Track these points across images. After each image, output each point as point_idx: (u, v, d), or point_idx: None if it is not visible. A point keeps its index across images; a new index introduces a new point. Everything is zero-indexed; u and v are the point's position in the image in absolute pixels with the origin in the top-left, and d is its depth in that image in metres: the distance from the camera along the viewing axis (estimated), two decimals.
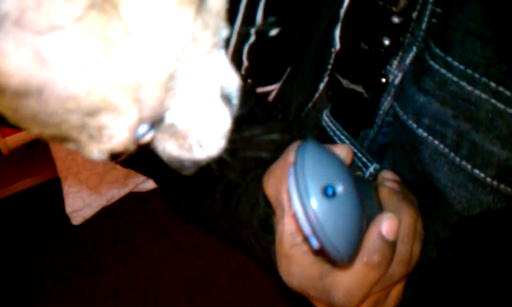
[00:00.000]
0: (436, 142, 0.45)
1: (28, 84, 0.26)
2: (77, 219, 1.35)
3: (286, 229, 0.48)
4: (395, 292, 0.48)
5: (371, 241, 0.42)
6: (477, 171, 0.43)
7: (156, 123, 0.34)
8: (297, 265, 0.47)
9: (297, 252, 0.47)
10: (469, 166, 0.44)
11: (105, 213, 1.33)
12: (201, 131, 0.37)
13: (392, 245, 0.43)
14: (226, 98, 0.38)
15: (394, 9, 0.47)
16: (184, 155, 0.37)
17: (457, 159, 0.44)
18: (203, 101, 0.36)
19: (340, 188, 0.40)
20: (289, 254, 0.47)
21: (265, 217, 0.54)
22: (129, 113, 0.30)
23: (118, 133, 0.30)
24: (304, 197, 0.39)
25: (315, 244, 0.41)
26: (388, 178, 0.51)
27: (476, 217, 0.45)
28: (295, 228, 0.47)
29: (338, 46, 0.56)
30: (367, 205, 0.45)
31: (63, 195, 1.40)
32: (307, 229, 0.40)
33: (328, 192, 0.39)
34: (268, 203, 0.52)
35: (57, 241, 1.76)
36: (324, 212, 0.39)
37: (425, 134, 0.46)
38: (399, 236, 0.44)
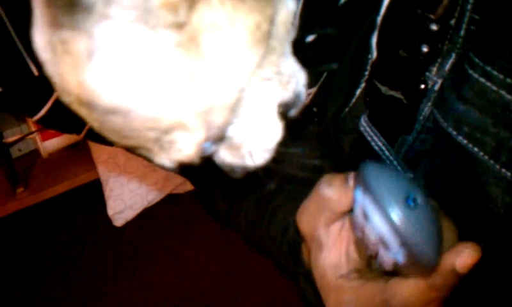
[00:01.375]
0: (476, 149, 0.45)
1: (118, 105, 0.30)
2: (119, 221, 1.38)
3: (327, 262, 0.48)
4: None
5: (442, 268, 0.42)
6: None
7: (219, 139, 0.38)
8: (348, 292, 0.47)
9: (345, 282, 0.47)
10: (509, 174, 0.43)
11: (146, 214, 1.35)
12: (253, 143, 0.39)
13: (459, 277, 0.42)
14: (284, 111, 0.40)
15: (432, 16, 0.47)
16: (235, 162, 0.40)
17: (497, 167, 0.44)
18: (260, 118, 0.39)
19: (420, 198, 0.40)
20: (337, 286, 0.48)
21: (294, 244, 0.55)
22: (198, 132, 0.34)
23: (186, 148, 0.35)
24: (390, 211, 0.40)
25: (400, 257, 0.41)
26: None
27: None
28: (336, 260, 0.48)
29: (374, 53, 0.55)
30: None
31: (104, 197, 1.42)
32: (394, 244, 0.40)
33: (409, 203, 0.40)
34: (298, 233, 0.52)
35: (100, 242, 1.79)
36: (412, 221, 0.40)
37: (465, 142, 0.46)
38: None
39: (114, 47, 0.28)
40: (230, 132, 0.38)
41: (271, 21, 0.34)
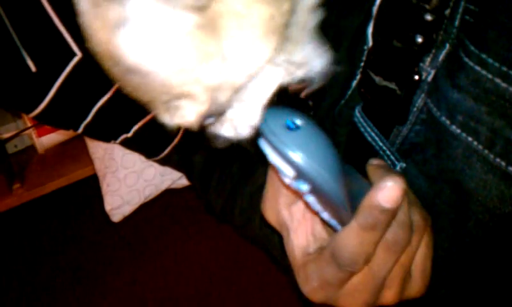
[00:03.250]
0: (470, 139, 0.45)
1: (139, 67, 0.35)
2: (116, 217, 1.37)
3: (295, 243, 0.48)
4: (418, 271, 0.47)
5: (364, 206, 0.42)
6: (511, 169, 0.43)
7: (219, 114, 0.41)
8: (311, 264, 0.47)
9: (311, 257, 0.47)
10: (503, 163, 0.43)
11: (143, 209, 1.35)
12: (242, 117, 0.42)
13: (388, 213, 0.42)
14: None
15: (427, 6, 0.47)
16: (220, 131, 0.44)
17: (491, 156, 0.44)
18: (256, 98, 0.42)
19: (300, 121, 0.41)
20: (304, 262, 0.48)
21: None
22: (202, 104, 0.38)
23: (188, 115, 0.39)
24: (270, 138, 0.40)
25: (303, 186, 0.41)
26: (374, 162, 0.50)
27: (509, 215, 0.45)
28: (304, 241, 0.48)
29: (370, 43, 0.55)
30: (354, 183, 0.45)
31: (101, 193, 1.42)
32: (291, 172, 0.40)
33: (290, 128, 0.40)
34: (266, 224, 0.52)
35: (97, 238, 1.80)
36: (295, 142, 0.40)
37: (458, 131, 0.46)
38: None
39: (141, 19, 0.32)
40: (232, 111, 0.42)
41: (288, 14, 0.37)
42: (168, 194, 1.51)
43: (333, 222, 0.46)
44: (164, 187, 1.40)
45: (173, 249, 1.76)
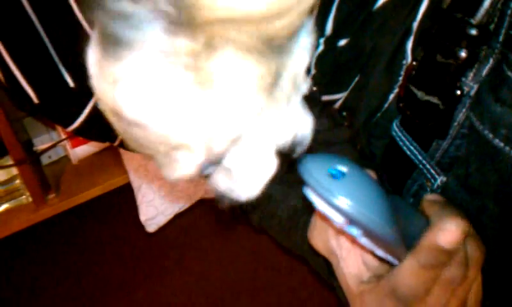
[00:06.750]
0: None
1: (138, 120, 0.36)
2: (151, 227, 1.39)
3: (346, 272, 0.48)
4: (473, 301, 0.47)
5: (424, 246, 0.42)
6: None
7: (216, 163, 0.42)
8: (368, 294, 0.47)
9: (367, 286, 0.47)
10: None
11: (178, 220, 1.36)
12: (245, 176, 0.43)
13: (447, 253, 0.42)
14: (285, 149, 0.43)
15: (472, 21, 0.47)
16: (225, 191, 0.44)
17: None
18: (256, 154, 0.43)
19: (346, 168, 0.40)
20: (359, 291, 0.48)
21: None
22: (199, 155, 0.39)
23: (187, 166, 0.40)
24: (321, 191, 0.40)
25: (355, 231, 0.41)
26: (430, 197, 0.50)
27: None
28: (355, 269, 0.48)
29: (409, 58, 0.55)
30: (405, 215, 0.44)
31: (134, 201, 1.44)
32: (340, 219, 0.40)
33: (333, 175, 0.40)
34: (314, 251, 0.52)
35: (131, 247, 1.81)
36: (341, 190, 0.39)
37: (502, 144, 0.46)
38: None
39: (141, 76, 0.35)
40: (228, 161, 0.43)
41: (275, 75, 0.39)
42: (202, 204, 1.53)
43: (389, 257, 0.46)
44: (197, 197, 1.42)
45: (207, 257, 1.77)
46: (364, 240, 0.43)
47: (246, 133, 0.41)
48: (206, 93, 0.36)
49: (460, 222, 0.42)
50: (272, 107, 0.40)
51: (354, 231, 0.42)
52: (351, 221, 0.41)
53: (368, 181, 0.41)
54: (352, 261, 0.49)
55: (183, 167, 0.40)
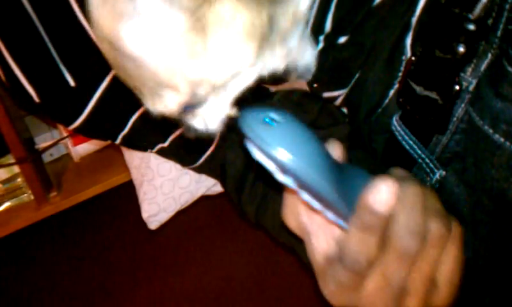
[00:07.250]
0: None
1: (133, 53, 0.39)
2: (153, 224, 1.39)
3: (315, 247, 0.48)
4: (444, 282, 0.46)
5: (359, 207, 0.42)
6: None
7: (197, 106, 0.45)
8: (329, 267, 0.46)
9: (330, 260, 0.47)
10: None
11: (180, 216, 1.36)
12: (213, 110, 0.47)
13: (379, 215, 0.41)
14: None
15: (470, 16, 0.47)
16: (193, 123, 0.48)
17: None
18: (230, 93, 0.46)
19: (279, 117, 0.40)
20: (324, 265, 0.47)
21: None
22: (183, 95, 0.43)
23: (170, 104, 0.44)
24: (253, 137, 0.40)
25: (289, 181, 0.41)
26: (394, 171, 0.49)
27: None
28: (325, 245, 0.47)
29: (409, 54, 0.55)
30: (359, 182, 0.44)
31: (138, 200, 1.44)
32: (273, 167, 0.40)
33: (268, 124, 0.40)
34: (290, 232, 0.52)
35: (134, 244, 1.81)
36: (274, 136, 0.40)
37: (502, 140, 0.46)
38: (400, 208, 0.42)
39: (147, 15, 0.37)
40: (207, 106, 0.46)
41: (267, 21, 0.41)
42: (204, 200, 1.53)
43: (341, 222, 0.45)
44: (199, 193, 1.41)
45: (209, 255, 1.77)
46: (306, 196, 0.43)
47: (229, 82, 0.44)
48: (200, 40, 0.39)
49: (391, 184, 0.41)
50: (265, 52, 0.43)
51: (289, 182, 0.41)
52: (282, 170, 0.40)
53: (302, 132, 0.41)
54: (321, 237, 0.47)
55: (166, 103, 0.44)
